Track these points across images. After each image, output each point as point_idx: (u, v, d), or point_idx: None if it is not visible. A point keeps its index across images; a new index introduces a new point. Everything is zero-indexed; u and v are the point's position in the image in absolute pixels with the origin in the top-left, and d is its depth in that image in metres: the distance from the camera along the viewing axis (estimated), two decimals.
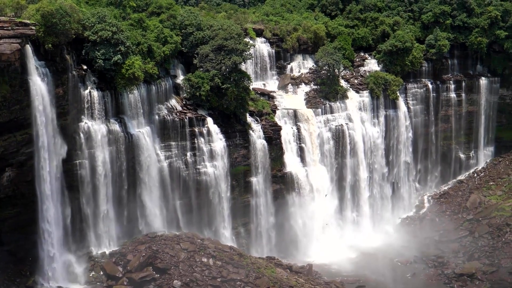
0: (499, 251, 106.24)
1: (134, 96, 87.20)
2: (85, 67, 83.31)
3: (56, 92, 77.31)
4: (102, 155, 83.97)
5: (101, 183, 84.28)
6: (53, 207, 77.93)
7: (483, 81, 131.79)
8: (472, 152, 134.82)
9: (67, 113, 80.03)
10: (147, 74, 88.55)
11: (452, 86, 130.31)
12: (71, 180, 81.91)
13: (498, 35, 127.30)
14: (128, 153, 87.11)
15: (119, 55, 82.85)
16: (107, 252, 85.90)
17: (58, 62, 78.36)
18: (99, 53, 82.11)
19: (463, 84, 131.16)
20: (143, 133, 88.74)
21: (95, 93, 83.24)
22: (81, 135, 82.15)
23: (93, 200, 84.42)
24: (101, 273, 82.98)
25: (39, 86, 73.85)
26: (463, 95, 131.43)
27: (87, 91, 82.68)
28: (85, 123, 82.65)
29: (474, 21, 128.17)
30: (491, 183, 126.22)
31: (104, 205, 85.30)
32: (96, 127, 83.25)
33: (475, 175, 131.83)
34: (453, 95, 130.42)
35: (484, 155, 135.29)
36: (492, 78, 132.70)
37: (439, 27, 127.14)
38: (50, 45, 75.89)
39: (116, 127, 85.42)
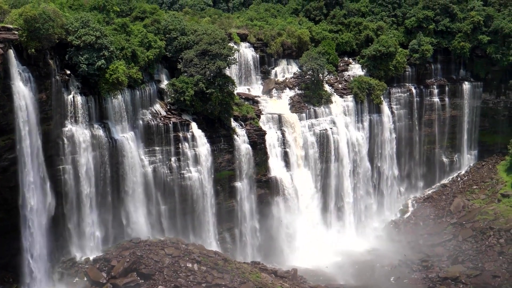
0: (483, 254, 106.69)
1: (118, 101, 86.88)
2: (68, 72, 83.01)
3: (39, 97, 76.85)
4: (86, 160, 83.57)
5: (84, 189, 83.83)
6: (36, 213, 77.30)
7: (466, 85, 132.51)
8: (456, 156, 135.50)
9: (51, 118, 79.58)
10: (131, 79, 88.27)
11: (436, 91, 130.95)
12: (54, 185, 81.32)
13: (481, 40, 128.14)
14: (112, 158, 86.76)
15: (102, 60, 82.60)
16: (91, 258, 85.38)
17: (41, 67, 77.86)
18: (82, 58, 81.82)
19: (447, 88, 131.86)
20: (127, 138, 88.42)
21: (78, 98, 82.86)
22: (65, 140, 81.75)
23: (76, 205, 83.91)
24: (85, 279, 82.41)
25: (22, 91, 73.33)
26: (447, 99, 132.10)
27: (70, 96, 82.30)
28: (69, 128, 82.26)
29: (457, 26, 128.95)
30: (475, 187, 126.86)
31: (88, 211, 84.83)
32: (79, 132, 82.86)
33: (459, 179, 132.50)
34: (436, 99, 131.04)
35: (468, 159, 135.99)
36: (475, 82, 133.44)
37: (422, 32, 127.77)
38: (33, 50, 75.42)
39: (100, 132, 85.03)
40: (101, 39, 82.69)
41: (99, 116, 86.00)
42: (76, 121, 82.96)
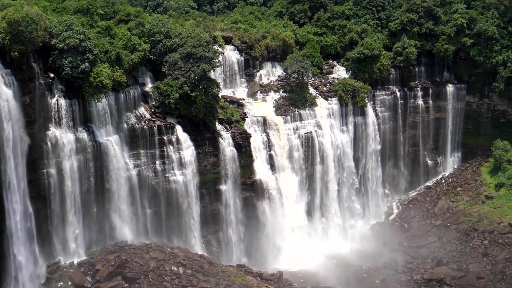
0: (467, 256, 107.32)
1: (102, 104, 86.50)
2: (52, 75, 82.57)
3: (22, 101, 76.41)
4: (70, 164, 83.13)
5: (68, 192, 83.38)
6: (20, 216, 76.82)
7: (450, 88, 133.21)
8: (440, 158, 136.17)
9: (34, 121, 79.08)
10: (115, 82, 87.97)
11: (420, 93, 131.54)
12: (38, 189, 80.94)
13: (464, 42, 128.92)
14: (96, 161, 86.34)
15: (86, 63, 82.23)
16: (75, 262, 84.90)
17: (25, 70, 77.45)
18: (66, 61, 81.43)
19: (430, 91, 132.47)
20: (111, 141, 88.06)
21: (62, 101, 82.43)
22: (48, 143, 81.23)
23: (60, 209, 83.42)
24: (69, 283, 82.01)
25: (5, 94, 72.86)
26: (431, 102, 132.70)
27: (54, 99, 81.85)
28: (53, 131, 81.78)
29: (440, 28, 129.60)
30: (459, 189, 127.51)
31: (72, 215, 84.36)
32: (63, 136, 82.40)
33: (443, 181, 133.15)
34: (420, 102, 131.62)
35: (452, 161, 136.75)
36: (459, 85, 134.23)
37: (406, 35, 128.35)
38: (16, 53, 75.01)
39: (84, 135, 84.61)
40: (85, 42, 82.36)
41: (83, 119, 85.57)
42: (60, 125, 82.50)
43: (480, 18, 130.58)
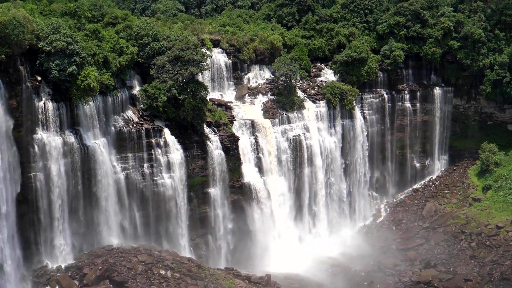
0: (455, 258, 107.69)
1: (89, 108, 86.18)
2: (39, 78, 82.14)
3: (9, 104, 76.23)
4: (57, 167, 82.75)
5: (56, 196, 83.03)
6: (6, 220, 76.49)
7: (437, 90, 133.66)
8: (427, 161, 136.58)
9: (21, 125, 78.82)
10: (103, 85, 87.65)
11: (407, 96, 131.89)
12: (25, 192, 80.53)
13: (452, 45, 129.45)
14: (83, 165, 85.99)
15: (74, 66, 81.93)
16: (62, 266, 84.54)
17: (12, 73, 77.23)
18: (53, 64, 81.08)
19: (418, 94, 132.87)
20: (99, 144, 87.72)
21: (49, 105, 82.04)
22: (36, 147, 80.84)
23: (48, 213, 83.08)
24: (57, 287, 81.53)
25: None
26: (418, 104, 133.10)
27: (41, 103, 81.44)
28: (40, 135, 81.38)
29: (428, 31, 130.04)
30: (446, 191, 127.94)
31: (60, 218, 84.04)
32: (51, 139, 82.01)
33: (431, 183, 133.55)
34: (408, 104, 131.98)
35: (439, 164, 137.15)
36: (446, 87, 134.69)
37: (393, 38, 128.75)
38: (3, 56, 74.71)
39: (71, 138, 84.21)
40: (72, 45, 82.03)
41: (71, 122, 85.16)
42: (47, 128, 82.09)
43: (467, 21, 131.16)
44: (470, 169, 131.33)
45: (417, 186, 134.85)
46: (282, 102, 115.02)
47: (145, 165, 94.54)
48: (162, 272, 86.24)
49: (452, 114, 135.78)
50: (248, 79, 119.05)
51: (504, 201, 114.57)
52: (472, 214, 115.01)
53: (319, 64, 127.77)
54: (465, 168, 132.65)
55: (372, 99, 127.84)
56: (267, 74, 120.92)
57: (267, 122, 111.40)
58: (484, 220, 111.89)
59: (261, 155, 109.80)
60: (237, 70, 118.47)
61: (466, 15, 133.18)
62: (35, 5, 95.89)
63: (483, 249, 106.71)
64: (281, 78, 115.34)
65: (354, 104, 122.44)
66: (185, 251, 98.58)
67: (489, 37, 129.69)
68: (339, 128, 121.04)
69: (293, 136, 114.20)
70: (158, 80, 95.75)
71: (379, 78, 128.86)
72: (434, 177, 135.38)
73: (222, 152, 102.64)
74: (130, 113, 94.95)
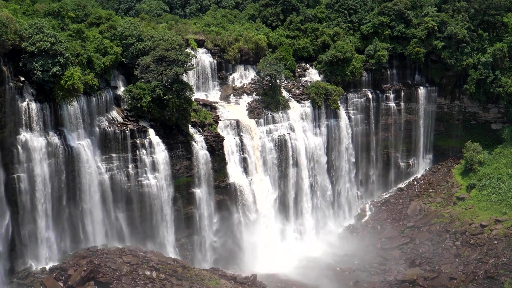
0: (439, 257, 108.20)
1: (73, 108, 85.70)
2: (22, 78, 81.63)
3: None
4: (41, 168, 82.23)
5: (40, 197, 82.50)
6: None
7: (421, 90, 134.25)
8: (412, 160, 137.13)
9: (4, 125, 78.22)
10: (87, 86, 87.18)
11: (392, 96, 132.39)
12: (9, 194, 79.96)
13: (435, 45, 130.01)
14: (68, 166, 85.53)
15: (57, 67, 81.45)
16: (47, 268, 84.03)
17: None
18: (37, 65, 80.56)
19: (402, 93, 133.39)
20: (83, 145, 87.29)
21: (33, 105, 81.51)
22: (19, 148, 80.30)
23: (32, 214, 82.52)
24: None
25: None
26: (402, 104, 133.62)
27: (25, 103, 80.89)
28: (23, 135, 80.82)
29: (412, 31, 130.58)
30: (431, 190, 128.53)
31: (44, 220, 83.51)
32: (34, 140, 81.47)
33: (415, 182, 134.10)
34: (392, 104, 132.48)
35: (423, 163, 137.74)
36: (430, 87, 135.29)
37: (378, 38, 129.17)
38: None
39: (55, 139, 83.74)
40: (56, 45, 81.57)
41: (55, 123, 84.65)
42: (31, 129, 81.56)
43: (451, 21, 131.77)
44: (454, 168, 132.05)
45: (401, 185, 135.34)
46: (267, 102, 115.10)
47: (130, 165, 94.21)
48: (148, 273, 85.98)
49: (436, 114, 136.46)
50: (233, 79, 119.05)
51: (488, 200, 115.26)
52: (457, 213, 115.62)
53: (304, 64, 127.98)
54: (449, 167, 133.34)
55: (356, 99, 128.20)
56: (252, 74, 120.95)
57: (252, 122, 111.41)
58: (469, 219, 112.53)
59: (246, 155, 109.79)
60: (222, 70, 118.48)
61: (449, 15, 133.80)
62: (18, 5, 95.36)
63: (468, 248, 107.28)
64: (266, 78, 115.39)
65: (339, 104, 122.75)
66: (171, 252, 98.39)
67: (473, 37, 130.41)
68: (324, 128, 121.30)
69: (278, 136, 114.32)
70: (142, 80, 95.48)
71: (364, 78, 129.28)
72: (419, 176, 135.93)
73: (207, 153, 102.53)
74: (114, 113, 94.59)
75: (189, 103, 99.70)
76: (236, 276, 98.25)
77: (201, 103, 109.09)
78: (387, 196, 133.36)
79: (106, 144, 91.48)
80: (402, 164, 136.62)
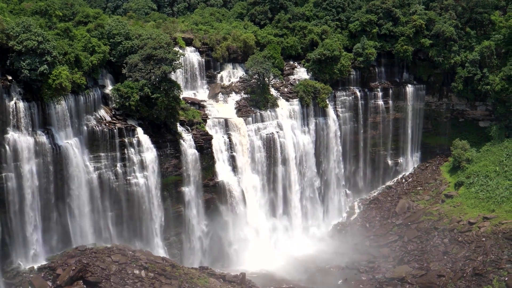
0: (428, 254, 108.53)
1: (61, 107, 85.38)
2: (10, 77, 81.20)
3: None
4: (29, 167, 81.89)
5: (28, 196, 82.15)
6: None
7: (409, 88, 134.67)
8: (400, 158, 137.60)
9: None
10: (75, 84, 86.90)
11: (380, 94, 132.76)
12: None
13: (423, 43, 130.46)
14: (56, 165, 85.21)
15: (45, 65, 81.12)
16: (35, 267, 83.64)
17: None
18: (24, 63, 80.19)
19: (390, 91, 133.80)
20: (71, 144, 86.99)
21: (21, 104, 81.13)
22: (7, 147, 79.91)
23: (20, 213, 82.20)
24: None
25: None
26: (391, 102, 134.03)
27: (12, 102, 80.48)
28: (11, 135, 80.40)
29: (399, 29, 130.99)
30: (419, 188, 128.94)
31: (32, 219, 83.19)
32: (22, 139, 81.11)
33: (403, 180, 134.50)
34: (380, 102, 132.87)
35: (412, 161, 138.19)
36: (418, 85, 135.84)
37: (366, 36, 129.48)
38: None
39: (43, 138, 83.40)
40: (43, 44, 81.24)
41: (42, 122, 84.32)
42: (18, 128, 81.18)
43: (439, 19, 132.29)
44: (442, 166, 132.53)
45: (390, 183, 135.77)
46: (256, 101, 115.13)
47: (118, 164, 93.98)
48: (136, 272, 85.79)
49: (424, 112, 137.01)
50: (221, 78, 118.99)
51: (476, 197, 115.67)
52: (445, 211, 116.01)
53: (292, 62, 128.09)
54: (437, 165, 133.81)
55: (345, 97, 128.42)
56: (240, 72, 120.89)
57: (241, 121, 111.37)
58: (457, 216, 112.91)
59: (234, 153, 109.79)
60: (210, 68, 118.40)
61: (437, 13, 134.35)
62: (5, 4, 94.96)
63: (456, 245, 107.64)
64: (254, 77, 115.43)
65: (327, 102, 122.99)
66: (159, 251, 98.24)
67: (460, 35, 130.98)
68: (312, 126, 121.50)
69: (266, 134, 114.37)
70: (130, 79, 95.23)
71: (352, 76, 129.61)
72: (407, 174, 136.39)
73: (196, 151, 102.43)
74: (102, 112, 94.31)
75: (178, 101, 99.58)
76: (225, 275, 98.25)
77: (189, 101, 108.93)
78: (375, 194, 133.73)
79: (94, 143, 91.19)
80: (391, 162, 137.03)
